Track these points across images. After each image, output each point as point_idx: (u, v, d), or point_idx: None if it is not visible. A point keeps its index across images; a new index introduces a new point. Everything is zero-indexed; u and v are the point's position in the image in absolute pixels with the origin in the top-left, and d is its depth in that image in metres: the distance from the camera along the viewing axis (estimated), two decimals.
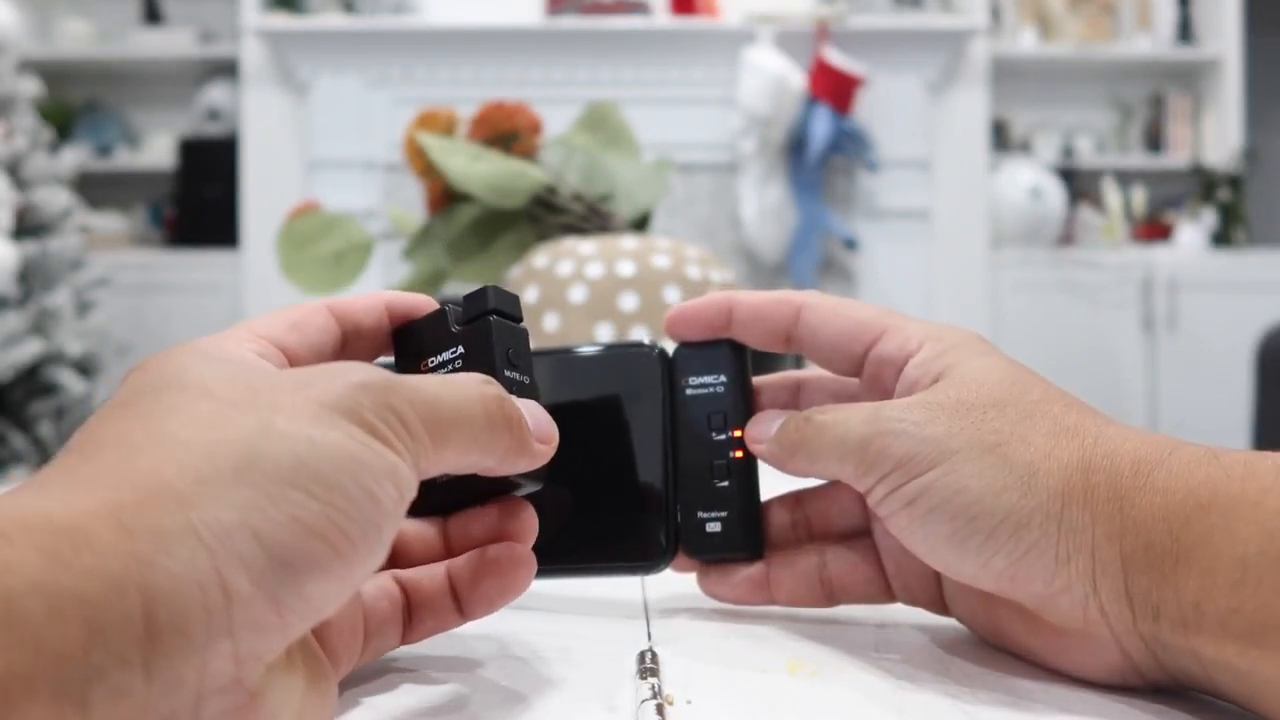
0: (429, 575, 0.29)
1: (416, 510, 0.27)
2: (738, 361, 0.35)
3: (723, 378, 0.35)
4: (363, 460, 0.21)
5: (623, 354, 0.36)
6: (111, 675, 0.16)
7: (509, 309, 0.29)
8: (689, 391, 0.35)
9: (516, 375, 0.28)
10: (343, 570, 0.20)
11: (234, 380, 0.22)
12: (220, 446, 0.20)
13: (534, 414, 0.27)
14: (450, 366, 0.28)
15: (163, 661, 0.17)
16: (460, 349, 0.28)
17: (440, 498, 0.28)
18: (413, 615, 0.29)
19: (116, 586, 0.17)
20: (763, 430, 0.33)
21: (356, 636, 0.27)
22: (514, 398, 0.26)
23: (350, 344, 0.29)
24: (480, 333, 0.28)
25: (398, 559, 0.29)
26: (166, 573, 0.17)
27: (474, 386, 0.25)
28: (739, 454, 0.34)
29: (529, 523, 0.29)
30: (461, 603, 0.29)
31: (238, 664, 0.18)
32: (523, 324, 0.29)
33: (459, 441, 0.24)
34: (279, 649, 0.19)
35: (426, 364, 0.29)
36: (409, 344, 0.30)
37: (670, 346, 0.36)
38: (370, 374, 0.22)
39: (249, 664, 0.19)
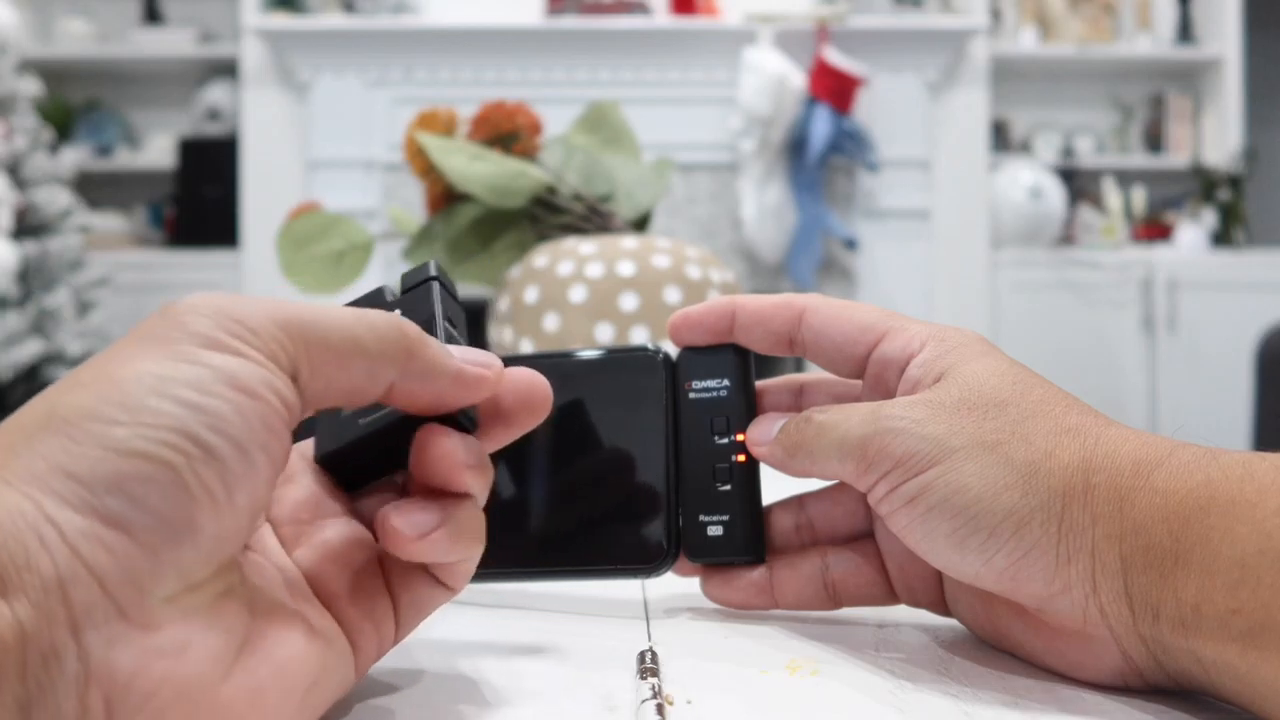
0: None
1: (360, 474, 0.28)
2: (741, 365, 0.35)
3: (726, 381, 0.35)
4: (173, 376, 0.21)
5: (626, 358, 0.36)
6: None
7: (449, 284, 0.29)
8: (692, 395, 0.35)
9: (454, 332, 0.28)
10: (192, 478, 0.20)
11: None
12: (25, 414, 0.20)
13: (465, 351, 0.26)
14: None
15: (19, 603, 0.18)
16: (397, 312, 0.28)
17: (377, 456, 0.28)
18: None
19: None
20: (764, 433, 0.33)
21: (374, 599, 0.26)
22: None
23: None
24: (421, 296, 0.28)
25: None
26: None
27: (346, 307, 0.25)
28: (741, 458, 0.34)
29: (443, 449, 0.26)
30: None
31: (106, 593, 0.19)
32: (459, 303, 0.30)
33: (337, 342, 0.23)
34: (157, 572, 0.19)
35: None
36: None
37: (673, 350, 0.36)
38: (218, 297, 0.23)
39: (124, 591, 0.19)
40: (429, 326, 0.27)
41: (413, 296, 0.29)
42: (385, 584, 0.26)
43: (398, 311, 0.28)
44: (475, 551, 0.26)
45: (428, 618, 0.27)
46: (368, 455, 0.27)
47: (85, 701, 0.19)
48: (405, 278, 0.29)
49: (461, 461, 0.25)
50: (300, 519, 0.26)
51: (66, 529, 0.19)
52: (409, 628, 0.27)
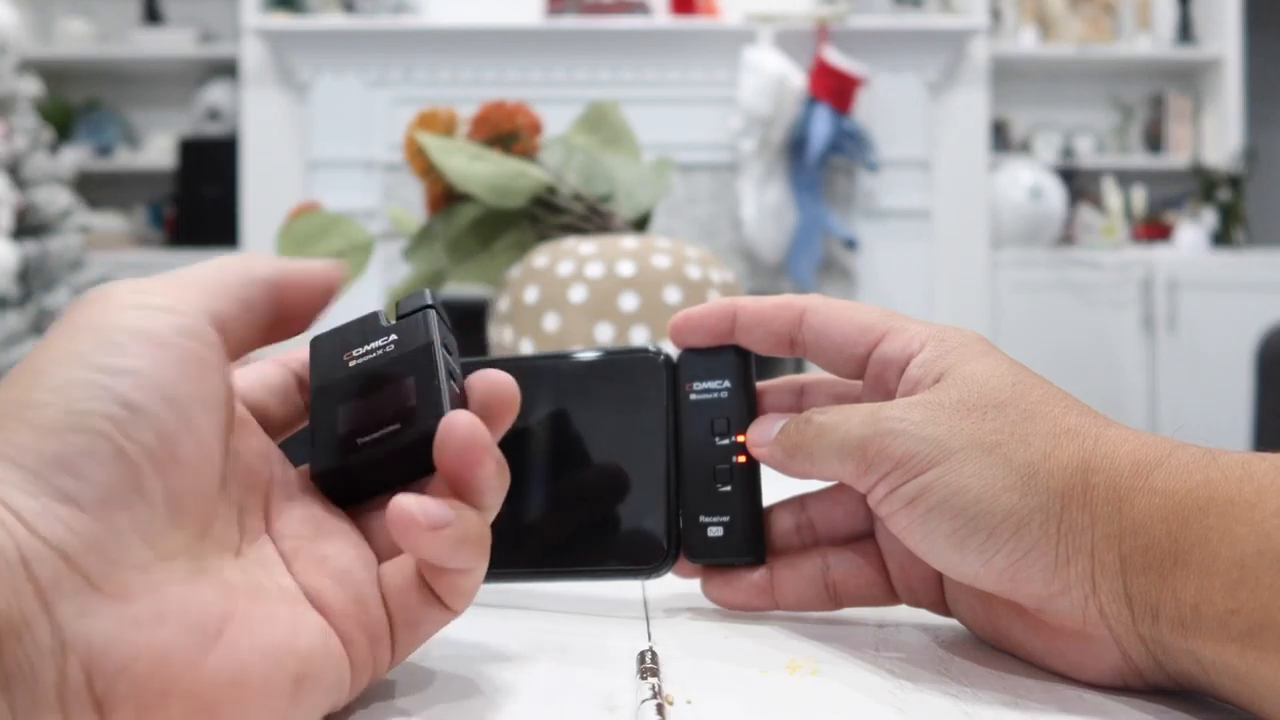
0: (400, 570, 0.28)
1: (354, 491, 0.28)
2: (741, 367, 0.35)
3: (726, 383, 0.35)
4: (88, 349, 0.22)
5: (627, 359, 0.36)
6: None
7: (443, 312, 0.30)
8: (693, 397, 0.35)
9: (451, 361, 0.29)
10: (126, 442, 0.21)
11: None
12: None
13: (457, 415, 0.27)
14: (379, 352, 0.28)
15: None
16: (393, 336, 0.29)
17: (372, 474, 0.28)
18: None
19: None
20: (763, 434, 0.33)
21: (371, 616, 0.26)
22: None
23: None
24: (417, 323, 0.29)
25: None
26: None
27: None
28: (742, 459, 0.34)
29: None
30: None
31: (70, 565, 0.20)
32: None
33: (234, 278, 0.25)
34: (118, 539, 0.20)
35: (350, 354, 0.29)
36: (329, 346, 0.29)
37: (673, 350, 0.36)
38: (127, 280, 0.24)
39: (89, 561, 0.20)
40: (428, 353, 0.28)
41: (409, 323, 0.29)
42: (384, 604, 0.26)
43: (394, 337, 0.28)
44: (478, 563, 0.26)
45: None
46: (363, 473, 0.27)
47: (64, 671, 0.19)
48: (400, 304, 0.30)
49: (486, 444, 0.25)
50: (301, 534, 0.26)
51: (22, 511, 0.20)
52: (406, 650, 0.26)
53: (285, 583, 0.25)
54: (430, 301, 0.29)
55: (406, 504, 0.24)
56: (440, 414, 0.26)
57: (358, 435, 0.27)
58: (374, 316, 0.30)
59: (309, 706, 0.23)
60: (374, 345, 0.29)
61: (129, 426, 0.21)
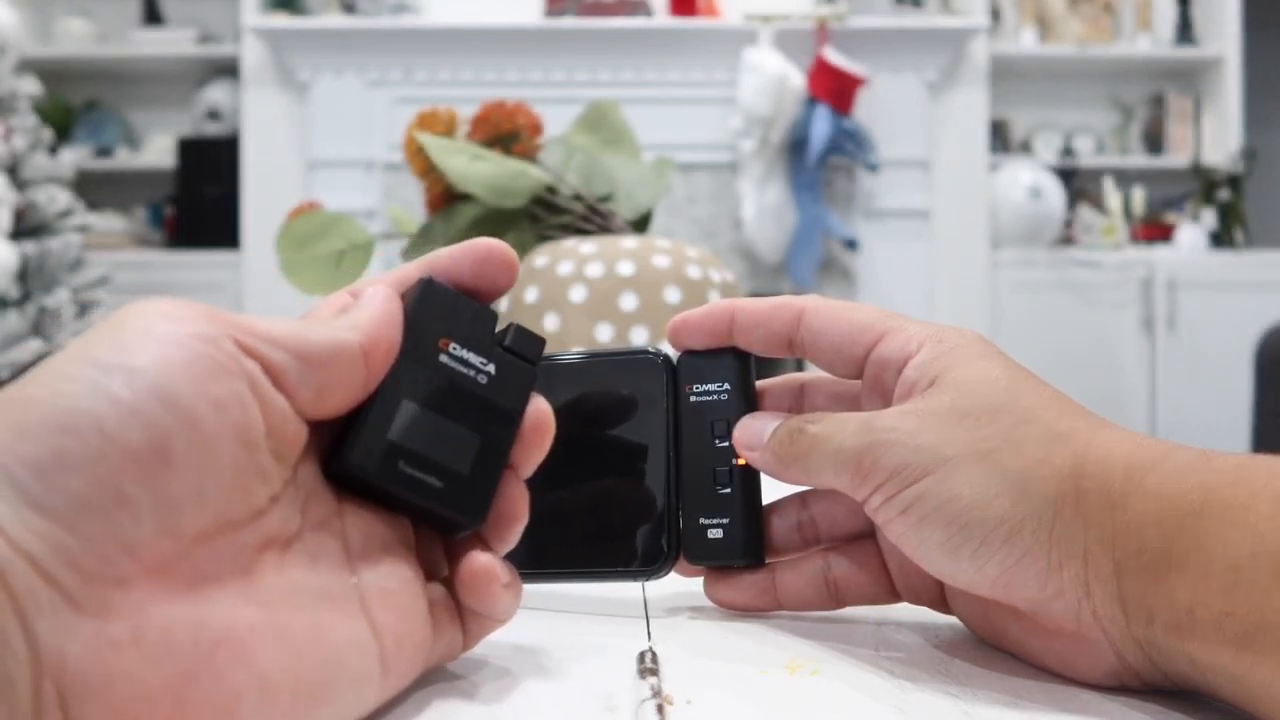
0: None
1: (351, 488, 0.27)
2: (740, 369, 0.35)
3: (726, 385, 0.35)
4: (90, 348, 0.21)
5: (627, 360, 0.36)
6: None
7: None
8: (693, 399, 0.35)
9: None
10: (108, 445, 0.19)
11: None
12: None
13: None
14: (473, 373, 0.28)
15: None
16: (494, 367, 0.28)
17: (377, 493, 0.27)
18: (465, 620, 0.28)
19: None
20: (753, 437, 0.33)
21: (415, 622, 0.26)
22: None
23: None
24: (522, 375, 0.29)
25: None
26: None
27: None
28: (741, 461, 0.34)
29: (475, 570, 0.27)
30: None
31: (45, 577, 0.18)
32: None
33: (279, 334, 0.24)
34: (92, 551, 0.19)
35: (449, 343, 0.27)
36: (435, 308, 0.28)
37: (674, 352, 0.36)
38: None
39: (65, 575, 0.19)
40: (509, 425, 0.28)
41: (513, 366, 0.28)
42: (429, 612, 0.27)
43: (493, 369, 0.28)
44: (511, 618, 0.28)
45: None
46: (377, 492, 0.27)
47: (39, 691, 0.18)
48: (515, 331, 0.29)
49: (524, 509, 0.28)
50: (371, 531, 0.26)
51: (1, 520, 0.18)
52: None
53: (331, 581, 0.24)
54: (537, 361, 0.29)
55: (491, 564, 0.27)
56: (479, 517, 0.27)
57: (402, 457, 0.26)
58: (491, 318, 0.29)
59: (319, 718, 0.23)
60: (473, 359, 0.28)
61: (113, 426, 0.19)
